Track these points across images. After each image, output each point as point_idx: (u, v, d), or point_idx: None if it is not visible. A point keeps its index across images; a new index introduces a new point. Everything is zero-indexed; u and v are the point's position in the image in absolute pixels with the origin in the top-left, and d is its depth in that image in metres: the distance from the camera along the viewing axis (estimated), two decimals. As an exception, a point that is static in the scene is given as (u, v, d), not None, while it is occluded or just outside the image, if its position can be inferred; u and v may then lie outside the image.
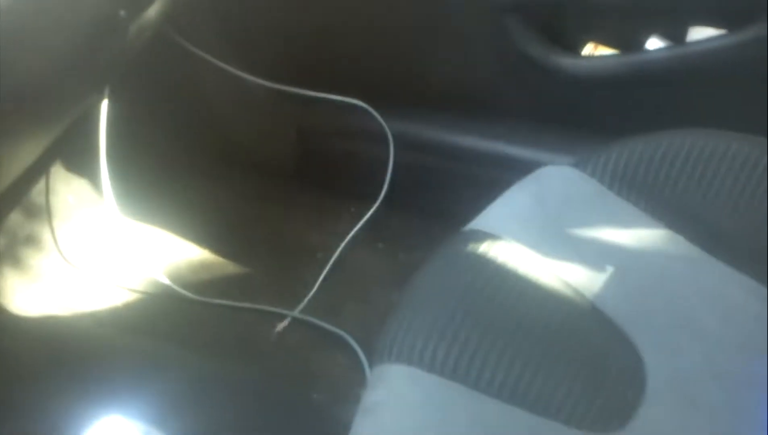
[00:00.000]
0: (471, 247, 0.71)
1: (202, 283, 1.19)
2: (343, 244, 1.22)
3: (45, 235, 1.17)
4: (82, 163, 1.19)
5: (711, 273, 0.73)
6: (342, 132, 1.29)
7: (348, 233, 1.23)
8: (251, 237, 1.27)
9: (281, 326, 1.12)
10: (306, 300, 1.15)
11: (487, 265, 0.69)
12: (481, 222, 0.76)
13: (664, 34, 1.05)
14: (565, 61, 1.06)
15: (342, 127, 1.28)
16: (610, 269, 0.71)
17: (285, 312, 1.13)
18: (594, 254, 0.72)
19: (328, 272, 1.19)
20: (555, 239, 0.74)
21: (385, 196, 1.23)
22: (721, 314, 0.69)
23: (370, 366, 0.70)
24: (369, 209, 1.24)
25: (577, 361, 0.64)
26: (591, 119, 1.09)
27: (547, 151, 1.11)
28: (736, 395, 0.64)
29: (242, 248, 1.25)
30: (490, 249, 0.71)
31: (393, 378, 0.64)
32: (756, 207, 0.75)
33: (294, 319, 1.13)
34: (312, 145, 1.32)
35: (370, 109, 1.20)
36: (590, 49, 1.10)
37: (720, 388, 0.64)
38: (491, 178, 0.95)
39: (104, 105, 1.06)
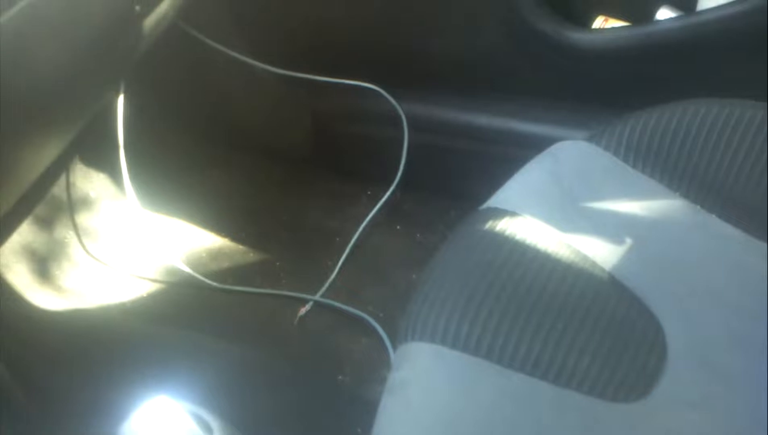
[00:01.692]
0: (490, 224, 0.72)
1: (223, 272, 1.20)
2: (361, 227, 1.23)
3: (68, 230, 1.18)
4: (101, 157, 1.20)
5: (728, 241, 0.73)
6: (356, 116, 1.29)
7: (365, 216, 1.24)
8: (270, 224, 1.28)
9: (303, 311, 1.13)
10: (327, 284, 1.16)
11: (506, 242, 0.70)
12: (498, 199, 0.76)
13: (674, 3, 1.05)
14: (576, 36, 1.06)
15: (356, 111, 1.28)
16: (627, 241, 0.72)
17: (306, 296, 1.15)
18: (611, 227, 0.73)
19: (347, 256, 1.20)
20: (572, 213, 0.74)
21: (401, 178, 1.24)
22: (739, 281, 0.70)
23: (393, 346, 0.71)
24: (385, 192, 1.25)
25: (598, 333, 0.65)
26: (604, 93, 1.09)
27: (561, 126, 1.11)
28: (756, 362, 0.64)
29: (261, 235, 1.26)
30: (509, 226, 0.72)
31: (417, 356, 0.64)
32: None
33: (316, 304, 1.14)
34: (327, 131, 1.33)
35: (383, 92, 1.20)
36: (600, 23, 1.10)
37: (740, 355, 0.65)
38: (506, 156, 0.96)
39: (120, 99, 1.08)
